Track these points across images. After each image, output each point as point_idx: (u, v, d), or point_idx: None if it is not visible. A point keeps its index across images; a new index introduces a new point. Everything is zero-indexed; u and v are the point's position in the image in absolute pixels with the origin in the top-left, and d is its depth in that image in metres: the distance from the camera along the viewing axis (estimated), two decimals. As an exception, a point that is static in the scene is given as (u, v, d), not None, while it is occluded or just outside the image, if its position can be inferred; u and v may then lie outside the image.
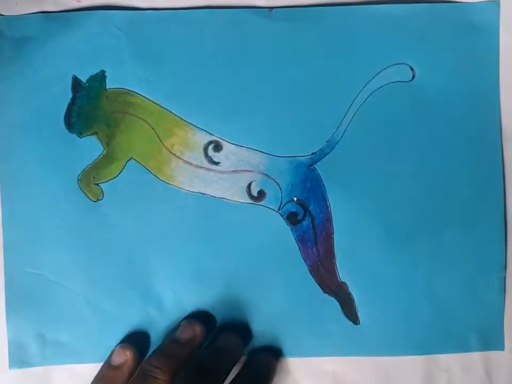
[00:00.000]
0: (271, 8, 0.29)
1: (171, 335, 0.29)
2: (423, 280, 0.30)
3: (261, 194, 0.29)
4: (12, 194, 0.29)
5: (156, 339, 0.30)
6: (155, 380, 0.26)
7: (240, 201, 0.29)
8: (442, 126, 0.29)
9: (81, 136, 0.29)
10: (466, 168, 0.29)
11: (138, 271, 0.30)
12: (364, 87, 0.29)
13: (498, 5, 0.29)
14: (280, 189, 0.29)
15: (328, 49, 0.29)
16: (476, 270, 0.30)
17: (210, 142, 0.29)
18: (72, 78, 0.29)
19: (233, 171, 0.29)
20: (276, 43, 0.29)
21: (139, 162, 0.29)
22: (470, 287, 0.30)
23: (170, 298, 0.30)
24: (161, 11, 0.29)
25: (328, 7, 0.29)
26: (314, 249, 0.30)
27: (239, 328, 0.30)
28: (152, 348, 0.30)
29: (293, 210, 0.29)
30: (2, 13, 0.29)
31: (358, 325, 0.30)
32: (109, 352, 0.29)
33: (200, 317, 0.30)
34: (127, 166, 0.29)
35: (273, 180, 0.29)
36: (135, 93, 0.29)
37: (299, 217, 0.29)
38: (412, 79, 0.29)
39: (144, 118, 0.29)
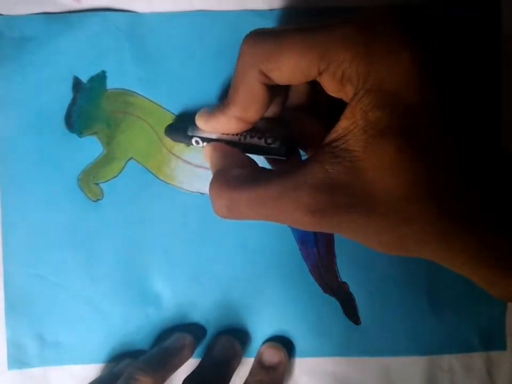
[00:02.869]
0: (271, 10, 0.29)
1: (161, 343, 0.29)
2: (424, 280, 0.29)
3: (261, 194, 0.29)
4: (11, 193, 0.29)
5: (154, 339, 0.30)
6: (137, 382, 0.25)
7: (240, 201, 0.29)
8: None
9: (81, 136, 0.29)
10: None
11: (138, 271, 0.29)
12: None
13: None
14: (280, 188, 0.29)
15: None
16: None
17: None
18: (73, 78, 0.29)
19: (233, 170, 0.29)
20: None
21: (139, 162, 0.29)
22: (471, 286, 0.29)
23: (170, 298, 0.30)
24: (161, 13, 0.29)
25: (328, 9, 0.29)
26: (314, 249, 0.29)
27: (238, 329, 0.30)
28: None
29: (293, 209, 0.29)
30: (1, 13, 0.29)
31: (359, 325, 0.29)
32: (108, 353, 0.29)
33: (191, 328, 0.30)
34: (127, 165, 0.29)
35: (273, 179, 0.29)
36: (136, 93, 0.29)
37: (299, 217, 0.29)
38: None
39: (144, 118, 0.29)
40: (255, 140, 0.24)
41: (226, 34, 0.29)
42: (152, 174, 0.29)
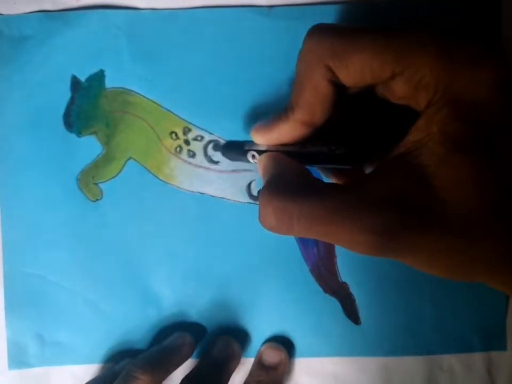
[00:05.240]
0: (271, 6, 0.29)
1: (160, 343, 0.29)
2: (425, 280, 0.29)
3: (261, 193, 0.29)
4: (10, 193, 0.29)
5: (154, 339, 0.30)
6: (136, 379, 0.25)
7: (240, 200, 0.29)
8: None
9: (80, 136, 0.29)
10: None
11: (138, 271, 0.29)
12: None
13: None
14: (280, 188, 0.29)
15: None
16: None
17: (209, 141, 0.29)
18: (71, 77, 0.29)
19: (233, 170, 0.29)
20: (275, 42, 0.29)
21: (138, 162, 0.29)
22: (472, 286, 0.29)
23: (170, 298, 0.30)
24: (160, 10, 0.29)
25: (327, 6, 0.29)
26: (315, 249, 0.29)
27: (238, 329, 0.30)
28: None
29: (293, 209, 0.29)
30: (0, 12, 0.28)
31: (359, 325, 0.29)
32: (108, 352, 0.30)
33: (191, 327, 0.30)
34: (126, 165, 0.29)
35: (273, 179, 0.29)
36: (135, 92, 0.29)
37: (299, 217, 0.29)
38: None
39: (144, 117, 0.29)
40: (317, 148, 0.22)
41: (226, 31, 0.29)
42: (152, 174, 0.29)
